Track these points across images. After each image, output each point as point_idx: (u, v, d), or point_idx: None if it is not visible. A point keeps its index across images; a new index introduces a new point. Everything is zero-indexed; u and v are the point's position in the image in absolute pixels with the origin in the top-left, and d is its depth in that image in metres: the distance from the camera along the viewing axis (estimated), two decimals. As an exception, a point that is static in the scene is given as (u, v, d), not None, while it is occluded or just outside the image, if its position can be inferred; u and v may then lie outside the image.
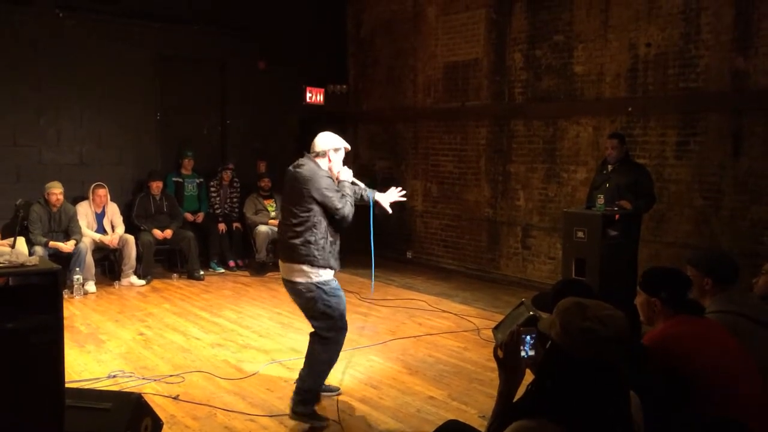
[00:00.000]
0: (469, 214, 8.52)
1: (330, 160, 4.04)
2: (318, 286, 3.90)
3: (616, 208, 5.73)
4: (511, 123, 7.94)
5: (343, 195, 3.93)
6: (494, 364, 2.22)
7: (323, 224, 3.90)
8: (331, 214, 3.90)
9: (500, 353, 2.17)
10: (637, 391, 2.04)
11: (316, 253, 3.86)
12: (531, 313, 2.35)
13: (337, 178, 4.04)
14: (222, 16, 8.91)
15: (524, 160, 7.81)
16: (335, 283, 4.00)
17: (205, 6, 8.78)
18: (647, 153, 6.60)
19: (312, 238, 3.87)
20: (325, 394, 4.29)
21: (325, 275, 3.93)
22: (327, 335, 3.98)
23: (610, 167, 6.00)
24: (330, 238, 3.93)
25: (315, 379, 4.02)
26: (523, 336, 2.14)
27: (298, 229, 3.89)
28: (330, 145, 4.05)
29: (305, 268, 3.88)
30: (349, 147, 4.17)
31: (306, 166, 3.96)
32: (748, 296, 3.26)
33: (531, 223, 7.80)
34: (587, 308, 1.85)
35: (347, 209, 3.91)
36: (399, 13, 9.29)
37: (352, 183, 4.12)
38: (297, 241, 3.88)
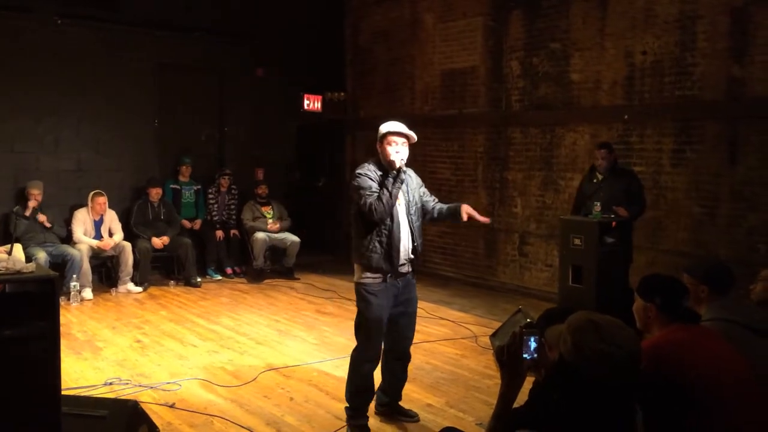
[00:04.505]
0: (466, 221, 8.50)
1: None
2: None
3: (612, 216, 5.74)
4: (508, 130, 7.96)
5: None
6: (492, 372, 2.23)
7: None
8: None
9: (502, 355, 2.16)
10: (637, 401, 2.04)
11: None
12: (528, 320, 2.36)
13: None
14: (220, 24, 8.93)
15: (521, 167, 7.83)
16: None
17: (204, 14, 8.80)
18: (643, 161, 6.61)
19: None
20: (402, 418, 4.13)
21: None
22: None
23: (600, 176, 6.01)
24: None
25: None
26: (526, 338, 2.13)
27: None
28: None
29: None
30: (389, 130, 3.91)
31: None
32: (744, 304, 3.27)
33: (528, 230, 7.81)
34: (601, 328, 1.81)
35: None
36: (397, 20, 9.32)
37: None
38: None
